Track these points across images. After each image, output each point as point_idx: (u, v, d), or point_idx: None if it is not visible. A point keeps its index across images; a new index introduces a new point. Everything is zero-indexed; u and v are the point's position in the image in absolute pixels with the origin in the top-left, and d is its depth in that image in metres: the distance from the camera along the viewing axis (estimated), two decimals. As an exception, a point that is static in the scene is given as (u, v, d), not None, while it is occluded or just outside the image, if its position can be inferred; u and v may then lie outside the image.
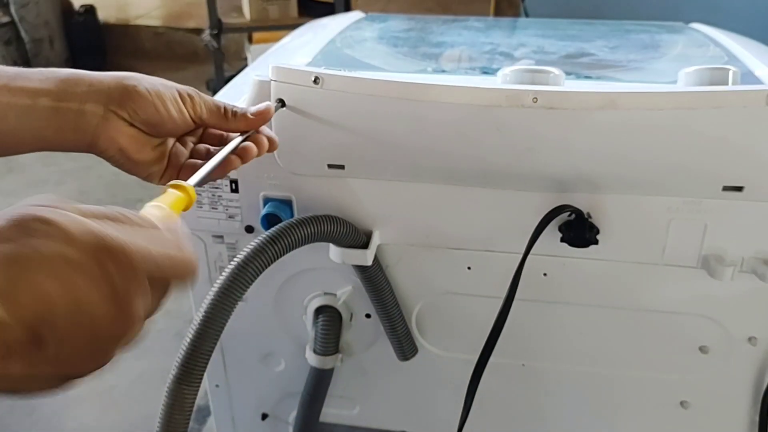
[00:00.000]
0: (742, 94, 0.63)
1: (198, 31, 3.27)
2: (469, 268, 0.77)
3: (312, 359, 0.82)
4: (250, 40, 2.81)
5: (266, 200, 0.76)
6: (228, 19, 2.72)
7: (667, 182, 0.68)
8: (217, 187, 0.77)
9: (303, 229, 0.68)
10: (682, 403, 0.81)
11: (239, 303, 0.68)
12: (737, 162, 0.65)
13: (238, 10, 2.83)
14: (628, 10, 2.12)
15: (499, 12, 2.82)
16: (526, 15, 2.40)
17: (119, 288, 0.33)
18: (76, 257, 0.32)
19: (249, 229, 0.78)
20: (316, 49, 0.94)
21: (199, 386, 0.64)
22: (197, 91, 0.57)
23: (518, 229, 0.72)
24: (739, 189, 0.67)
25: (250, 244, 0.67)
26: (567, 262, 0.74)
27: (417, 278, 0.79)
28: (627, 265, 0.73)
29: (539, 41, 1.06)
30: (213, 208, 0.78)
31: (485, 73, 0.87)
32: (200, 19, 3.20)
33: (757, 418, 0.79)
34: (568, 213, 0.70)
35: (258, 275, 0.66)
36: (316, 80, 0.67)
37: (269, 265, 0.67)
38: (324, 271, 0.80)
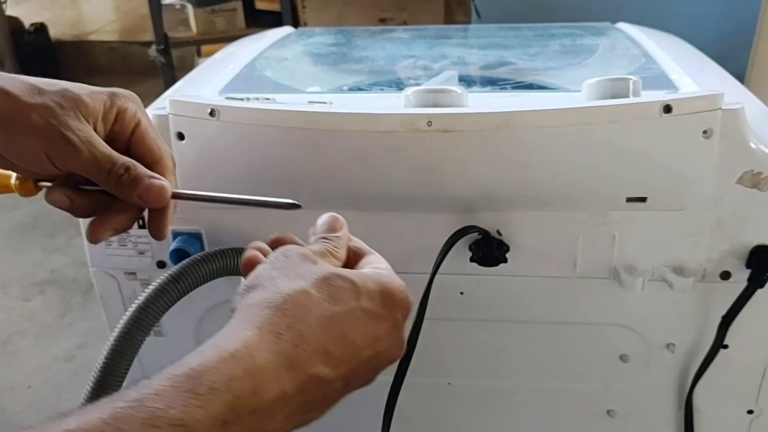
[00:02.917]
0: (636, 106, 0.63)
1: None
2: (386, 290, 0.76)
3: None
4: (199, 53, 2.78)
5: (175, 235, 0.74)
6: (175, 33, 2.70)
7: (571, 197, 0.68)
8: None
9: (207, 266, 0.67)
10: (608, 412, 0.81)
11: (159, 337, 0.67)
12: (638, 173, 0.65)
13: (186, 23, 2.81)
14: (579, 5, 2.12)
15: (448, 12, 2.83)
16: (477, 14, 2.40)
17: (402, 329, 0.40)
18: (372, 307, 0.38)
19: (161, 265, 0.77)
20: (234, 71, 0.93)
21: None
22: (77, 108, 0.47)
23: (431, 251, 0.71)
24: (642, 200, 0.67)
25: (151, 284, 0.65)
26: (482, 279, 0.74)
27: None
28: (541, 280, 0.73)
29: (461, 51, 1.05)
30: (122, 245, 0.76)
31: (401, 88, 0.86)
32: (153, 32, 3.16)
33: (683, 422, 0.79)
34: (476, 232, 0.70)
35: (160, 317, 0.65)
36: (212, 113, 0.66)
37: (173, 305, 0.65)
38: (242, 302, 0.78)
